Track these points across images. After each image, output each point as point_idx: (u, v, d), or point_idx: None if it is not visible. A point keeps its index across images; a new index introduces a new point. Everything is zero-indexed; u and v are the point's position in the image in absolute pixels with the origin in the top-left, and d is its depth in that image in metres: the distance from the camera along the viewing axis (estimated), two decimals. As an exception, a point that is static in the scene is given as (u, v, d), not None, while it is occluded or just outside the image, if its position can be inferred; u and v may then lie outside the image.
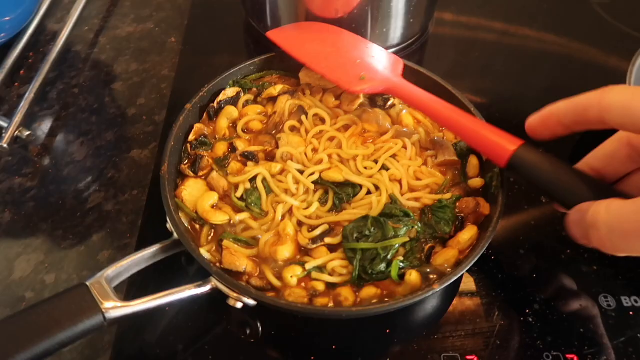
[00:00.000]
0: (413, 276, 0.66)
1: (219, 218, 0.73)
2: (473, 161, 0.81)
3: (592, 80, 1.04)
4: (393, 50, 1.09)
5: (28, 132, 0.92)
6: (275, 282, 0.68)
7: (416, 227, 0.71)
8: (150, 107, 1.01)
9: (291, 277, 0.68)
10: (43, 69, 1.00)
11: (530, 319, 0.73)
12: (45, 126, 0.98)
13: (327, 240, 0.71)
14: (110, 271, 0.63)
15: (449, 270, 0.68)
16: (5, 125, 0.91)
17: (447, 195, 0.75)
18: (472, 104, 0.83)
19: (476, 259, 0.67)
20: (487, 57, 1.12)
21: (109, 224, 0.84)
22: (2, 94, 1.02)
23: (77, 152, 0.94)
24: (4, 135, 0.89)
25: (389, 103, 0.88)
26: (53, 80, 1.05)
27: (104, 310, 0.59)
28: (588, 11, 1.21)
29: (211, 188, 0.77)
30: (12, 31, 1.04)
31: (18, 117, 0.92)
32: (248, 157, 0.80)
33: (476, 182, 0.79)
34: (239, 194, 0.75)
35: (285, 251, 0.70)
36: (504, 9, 1.22)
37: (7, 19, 1.01)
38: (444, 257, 0.70)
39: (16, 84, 1.04)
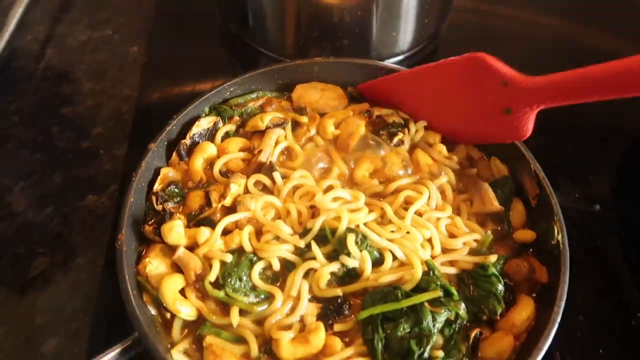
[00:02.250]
0: (461, 382, 0.50)
1: (192, 313, 0.55)
2: (517, 207, 0.65)
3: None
4: (402, 57, 0.91)
5: (-50, 181, 0.73)
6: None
7: (461, 311, 0.53)
8: (108, 137, 0.83)
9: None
10: (-28, 94, 0.81)
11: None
12: (-26, 169, 0.78)
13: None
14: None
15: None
16: None
17: (492, 258, 0.58)
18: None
19: (542, 354, 0.50)
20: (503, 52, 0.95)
21: (56, 301, 0.66)
22: None
23: (15, 202, 0.75)
24: None
25: (396, 139, 0.69)
26: (-14, 106, 0.85)
27: None
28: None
29: (179, 269, 0.58)
30: None
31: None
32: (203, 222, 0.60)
33: (525, 235, 0.63)
34: (212, 276, 0.56)
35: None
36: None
37: None
38: (497, 346, 0.54)
39: (-63, 115, 0.84)
